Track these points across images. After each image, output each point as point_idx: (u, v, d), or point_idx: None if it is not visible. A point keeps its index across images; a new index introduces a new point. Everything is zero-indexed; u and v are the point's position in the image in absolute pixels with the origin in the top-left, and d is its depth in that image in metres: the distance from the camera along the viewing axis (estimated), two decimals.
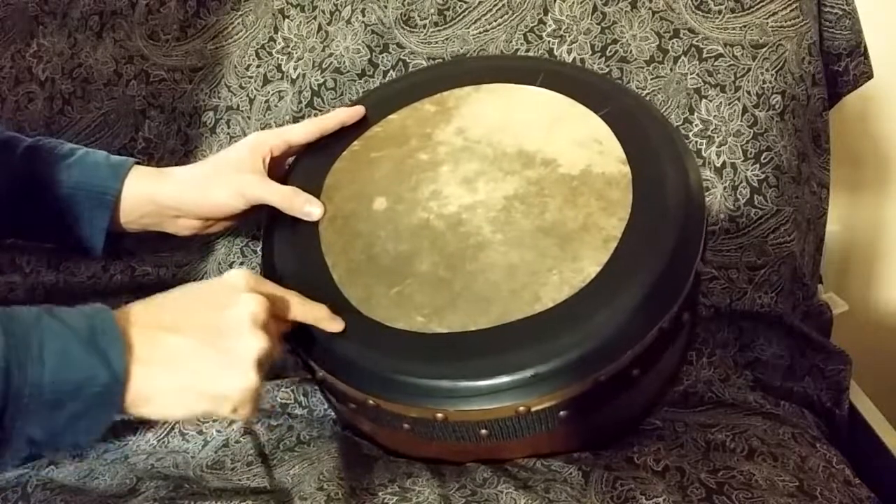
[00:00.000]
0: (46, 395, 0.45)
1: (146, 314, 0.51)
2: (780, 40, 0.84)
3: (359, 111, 0.73)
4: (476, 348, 0.58)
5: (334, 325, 0.60)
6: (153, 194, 0.69)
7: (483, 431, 0.59)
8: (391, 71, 0.88)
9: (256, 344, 0.52)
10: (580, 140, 0.68)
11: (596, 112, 0.69)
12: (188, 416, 0.52)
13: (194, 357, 0.50)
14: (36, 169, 0.70)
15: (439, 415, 0.57)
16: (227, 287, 0.54)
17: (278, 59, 0.90)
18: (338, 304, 0.62)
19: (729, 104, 0.84)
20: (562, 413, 0.58)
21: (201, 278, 0.89)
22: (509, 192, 0.66)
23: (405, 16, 0.88)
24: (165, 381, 0.50)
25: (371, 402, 0.59)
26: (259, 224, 0.76)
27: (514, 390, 0.56)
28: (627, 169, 0.65)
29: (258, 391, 0.52)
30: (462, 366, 0.57)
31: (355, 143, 0.72)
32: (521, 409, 0.57)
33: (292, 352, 0.65)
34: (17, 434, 0.46)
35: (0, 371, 0.44)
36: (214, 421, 0.74)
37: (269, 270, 0.66)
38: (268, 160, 0.69)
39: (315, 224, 0.67)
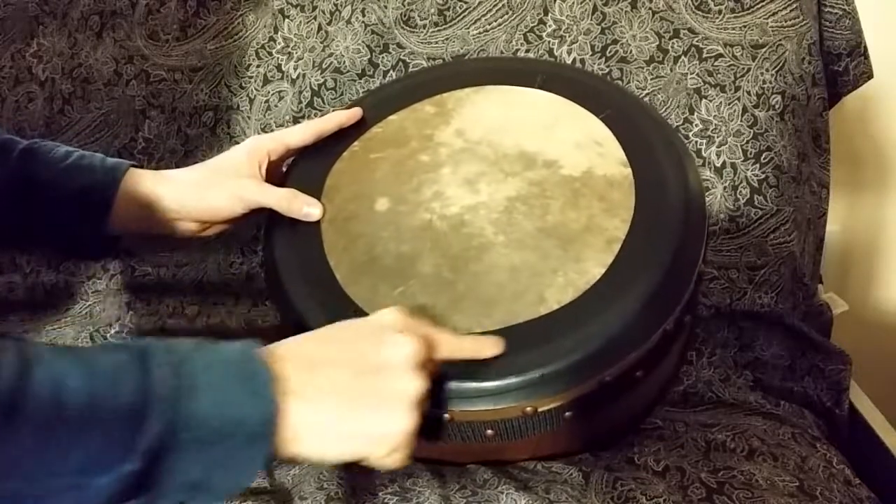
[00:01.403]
0: (203, 433, 0.42)
1: (300, 349, 0.49)
2: (780, 40, 0.84)
3: (356, 113, 0.73)
4: None
5: (493, 348, 0.56)
6: (150, 197, 0.69)
7: (489, 432, 0.59)
8: (391, 71, 0.88)
9: (417, 384, 0.49)
10: (581, 142, 0.68)
11: (596, 114, 0.69)
12: (341, 457, 0.49)
13: (355, 394, 0.48)
14: (32, 172, 0.70)
15: (446, 415, 0.57)
16: (382, 326, 0.52)
17: (278, 59, 0.90)
18: (343, 305, 0.62)
19: (729, 104, 0.84)
20: (567, 414, 0.58)
21: (201, 278, 0.89)
22: (511, 194, 0.66)
23: (405, 16, 0.88)
24: (324, 417, 0.47)
25: None
26: (259, 224, 0.76)
27: (521, 391, 0.56)
28: (629, 171, 0.65)
29: (415, 436, 0.50)
30: (469, 366, 0.57)
31: (355, 143, 0.72)
32: (528, 409, 0.57)
33: None
34: (174, 476, 0.42)
35: (164, 400, 0.41)
36: None
37: (271, 270, 0.66)
38: (265, 164, 0.69)
39: (316, 224, 0.67)
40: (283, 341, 0.50)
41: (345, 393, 0.48)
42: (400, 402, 0.49)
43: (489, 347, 0.56)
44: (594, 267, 0.60)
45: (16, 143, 0.71)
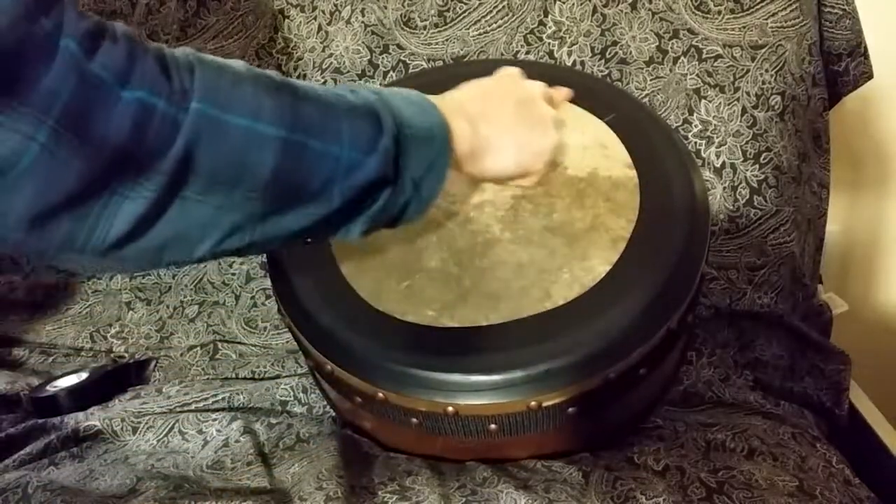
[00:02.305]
0: (415, 129, 0.51)
1: (470, 94, 0.59)
2: (779, 41, 0.84)
3: None
4: (489, 343, 0.58)
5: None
6: None
7: (492, 426, 0.59)
8: (391, 72, 0.88)
9: (551, 111, 0.62)
10: (586, 144, 0.68)
11: (600, 117, 0.70)
12: (513, 171, 0.60)
13: (516, 120, 0.59)
14: None
15: (450, 408, 0.58)
16: (511, 75, 0.63)
17: (278, 59, 0.90)
18: (348, 298, 0.62)
19: (728, 105, 0.84)
20: (570, 410, 0.58)
21: (201, 278, 0.89)
22: (517, 192, 0.66)
23: (405, 17, 0.88)
24: (501, 133, 0.58)
25: (380, 395, 0.59)
26: None
27: (526, 385, 0.56)
28: (634, 172, 0.66)
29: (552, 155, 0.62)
30: (475, 360, 0.57)
31: None
32: (532, 404, 0.57)
33: (300, 346, 0.65)
34: (406, 171, 0.50)
35: (385, 110, 0.49)
36: (216, 419, 0.74)
37: (276, 266, 0.67)
38: None
39: None
40: (448, 94, 0.59)
41: (513, 119, 0.59)
42: (547, 122, 0.61)
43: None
44: (600, 265, 0.60)
45: None
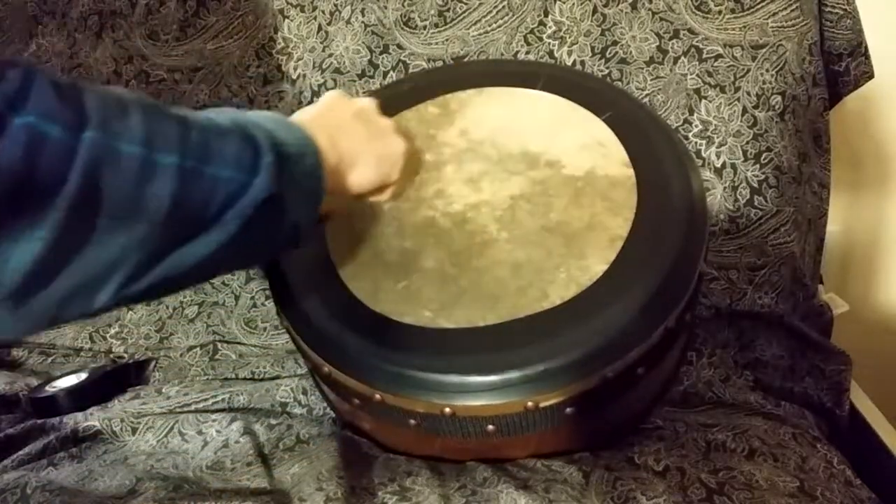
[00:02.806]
0: (284, 147, 0.50)
1: (318, 113, 0.59)
2: (780, 41, 0.84)
3: None
4: (485, 343, 0.58)
5: None
6: None
7: (490, 427, 0.59)
8: (391, 72, 0.88)
9: (387, 120, 0.63)
10: (584, 143, 0.68)
11: (598, 116, 0.70)
12: (375, 181, 0.60)
13: (366, 132, 0.60)
14: None
15: (447, 409, 0.57)
16: (339, 96, 0.62)
17: (278, 59, 0.90)
18: (345, 299, 0.62)
19: (729, 105, 0.84)
20: (568, 410, 0.58)
21: None
22: (515, 192, 0.66)
23: (405, 17, 0.88)
24: (359, 146, 0.59)
25: (378, 396, 0.59)
26: None
27: (523, 385, 0.56)
28: (631, 171, 0.65)
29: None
30: (472, 360, 0.57)
31: None
32: (530, 404, 0.57)
33: (298, 348, 0.65)
34: (291, 189, 0.50)
35: (257, 130, 0.49)
36: (216, 420, 0.74)
37: (274, 267, 0.66)
38: None
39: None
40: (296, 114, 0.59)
41: (363, 132, 0.60)
42: (391, 131, 0.62)
43: None
44: (597, 264, 0.60)
45: None
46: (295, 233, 0.52)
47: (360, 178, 0.59)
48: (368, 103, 0.63)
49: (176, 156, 0.43)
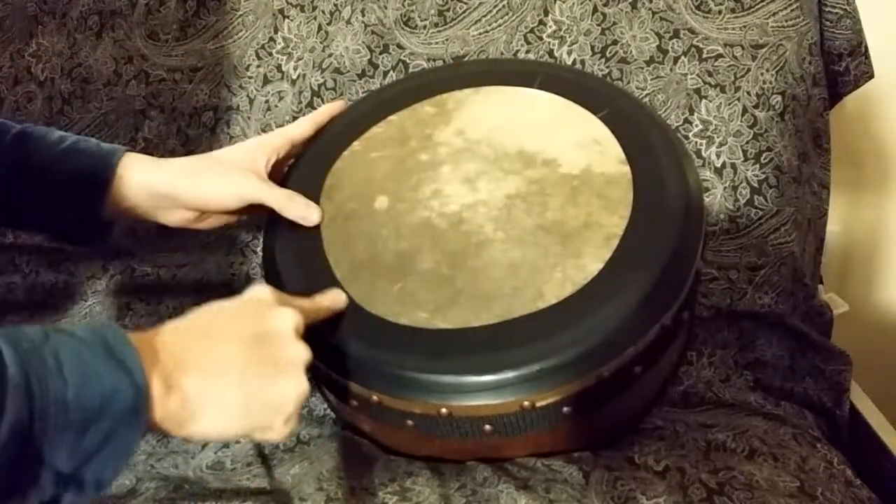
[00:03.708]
0: (72, 414, 0.41)
1: (185, 326, 0.50)
2: (780, 40, 0.84)
3: (342, 104, 0.75)
4: (481, 343, 0.58)
5: (339, 301, 0.60)
6: (147, 183, 0.68)
7: (487, 427, 0.59)
8: (391, 71, 0.88)
9: (303, 352, 0.52)
10: (580, 141, 0.68)
11: (594, 114, 0.69)
12: (242, 431, 0.49)
13: (251, 365, 0.49)
14: (26, 155, 0.69)
15: (444, 410, 0.57)
16: (259, 302, 0.53)
17: (278, 59, 0.90)
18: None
19: (729, 104, 0.84)
20: (565, 409, 0.58)
21: (201, 279, 0.89)
22: (510, 192, 0.66)
23: (405, 16, 0.88)
24: (224, 390, 0.48)
25: (375, 398, 0.59)
26: (259, 224, 0.76)
27: (518, 385, 0.56)
28: (627, 169, 0.65)
29: (306, 400, 0.52)
30: (467, 361, 0.57)
31: (356, 143, 0.72)
32: (526, 404, 0.57)
33: None
34: (44, 466, 0.40)
35: (19, 388, 0.39)
36: None
37: (271, 270, 0.66)
38: (272, 162, 0.69)
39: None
40: (166, 323, 0.49)
41: (241, 364, 0.48)
42: (294, 367, 0.51)
43: (338, 300, 0.60)
44: (592, 263, 0.60)
45: (9, 127, 0.70)
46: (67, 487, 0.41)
47: (208, 429, 0.47)
48: (285, 323, 0.52)
49: None
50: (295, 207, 0.67)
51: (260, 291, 0.55)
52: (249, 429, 0.49)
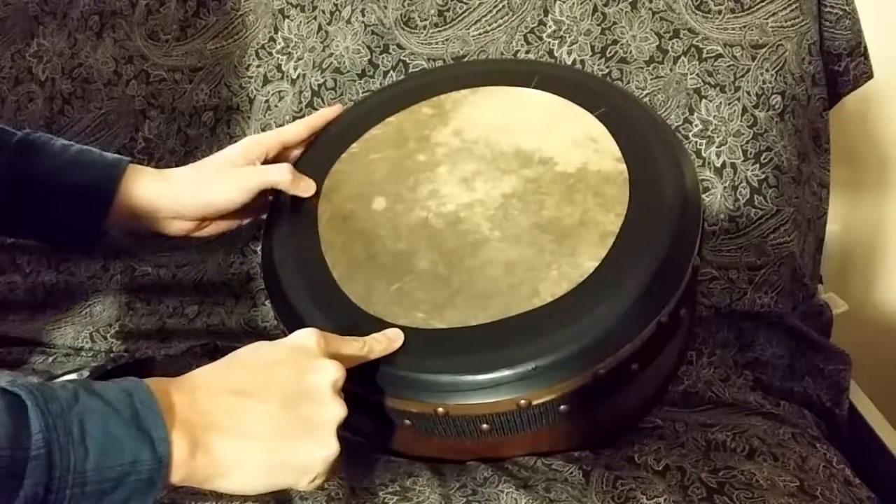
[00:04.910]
0: (89, 486, 0.41)
1: (221, 378, 0.49)
2: (780, 40, 0.84)
3: (338, 108, 0.75)
4: (477, 342, 0.58)
5: (396, 342, 0.58)
6: (150, 195, 0.69)
7: (484, 426, 0.59)
8: (391, 72, 0.88)
9: (338, 411, 0.51)
10: (576, 139, 0.68)
11: (591, 112, 0.70)
12: (266, 489, 0.49)
13: (281, 426, 0.48)
14: (28, 165, 0.69)
15: (440, 409, 0.58)
16: (303, 351, 0.52)
17: (278, 59, 0.90)
18: (339, 302, 0.62)
19: (729, 104, 0.84)
20: (562, 407, 0.58)
21: (201, 278, 0.89)
22: (507, 191, 0.66)
23: (405, 16, 0.88)
24: (251, 451, 0.47)
25: (373, 399, 0.59)
26: (259, 225, 0.76)
27: (515, 383, 0.56)
28: (623, 166, 0.65)
29: (338, 460, 0.51)
30: (463, 360, 0.57)
31: (354, 145, 0.72)
32: (522, 402, 0.57)
33: None
34: None
35: (41, 458, 0.40)
36: None
37: (269, 269, 0.67)
38: (261, 161, 0.69)
39: (315, 224, 0.68)
40: (203, 368, 0.50)
41: (271, 425, 0.48)
42: (325, 430, 0.50)
43: (395, 339, 0.58)
44: (588, 260, 0.60)
45: (10, 135, 0.70)
46: None
47: (233, 486, 0.47)
48: (324, 379, 0.50)
49: None
50: (298, 179, 0.68)
51: (306, 338, 0.53)
52: (275, 486, 0.49)
